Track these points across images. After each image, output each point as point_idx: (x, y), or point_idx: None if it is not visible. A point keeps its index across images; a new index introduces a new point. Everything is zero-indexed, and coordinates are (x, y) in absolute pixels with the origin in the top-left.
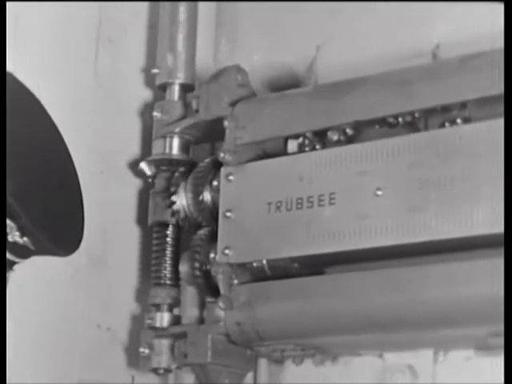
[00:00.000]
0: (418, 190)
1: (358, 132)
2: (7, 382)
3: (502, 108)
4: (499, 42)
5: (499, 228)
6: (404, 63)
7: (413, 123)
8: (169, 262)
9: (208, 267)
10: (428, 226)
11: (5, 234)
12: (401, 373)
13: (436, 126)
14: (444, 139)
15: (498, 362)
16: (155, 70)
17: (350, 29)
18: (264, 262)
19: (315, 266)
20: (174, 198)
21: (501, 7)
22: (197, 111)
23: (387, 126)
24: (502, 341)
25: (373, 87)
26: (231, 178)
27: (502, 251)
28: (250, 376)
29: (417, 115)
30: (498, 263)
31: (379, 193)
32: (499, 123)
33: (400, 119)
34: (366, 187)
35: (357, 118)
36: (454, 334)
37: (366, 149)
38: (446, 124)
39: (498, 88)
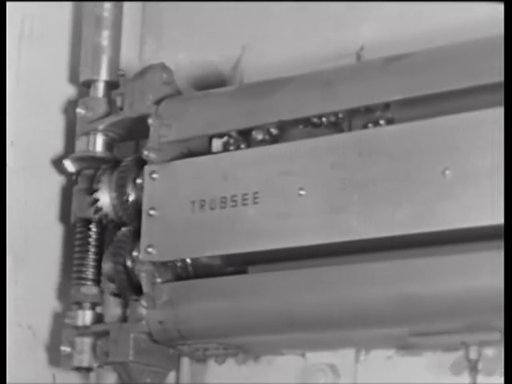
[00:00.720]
0: (340, 190)
1: (283, 132)
2: None
3: (425, 109)
4: (425, 44)
5: (419, 228)
6: (328, 64)
7: (336, 123)
8: (91, 259)
9: (131, 265)
10: (350, 226)
11: (4, 234)
12: (322, 372)
13: (359, 126)
14: (367, 140)
15: (419, 361)
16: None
17: (276, 29)
18: (187, 260)
19: (238, 265)
20: (96, 195)
21: (429, 7)
22: (121, 109)
23: (311, 125)
24: (422, 340)
25: (297, 87)
26: (155, 176)
27: (424, 251)
28: (172, 375)
29: (340, 116)
30: (419, 263)
31: (302, 192)
32: (422, 125)
33: (324, 119)
34: (289, 187)
35: (281, 118)
36: (376, 333)
37: (289, 148)
38: (369, 125)
39: (422, 89)
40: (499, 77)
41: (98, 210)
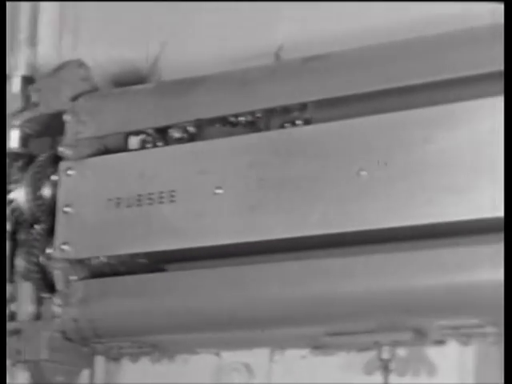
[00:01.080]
0: (257, 189)
1: (200, 130)
2: None
3: (342, 110)
4: (343, 45)
5: (333, 228)
6: (247, 63)
7: (254, 123)
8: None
9: (45, 263)
10: (266, 225)
11: (4, 235)
12: (237, 371)
13: (277, 126)
14: (284, 140)
15: (333, 360)
16: None
17: (196, 27)
18: (103, 258)
19: (155, 263)
20: (12, 195)
21: (348, 8)
22: (37, 104)
23: (229, 124)
24: (336, 340)
25: (214, 86)
26: (70, 172)
27: (338, 251)
28: (86, 374)
29: (258, 115)
30: (332, 263)
31: (219, 191)
32: (338, 125)
33: (241, 118)
34: (206, 185)
35: (198, 117)
36: (290, 333)
37: (206, 147)
38: (287, 125)
39: (339, 90)
40: (409, 80)
41: (14, 210)
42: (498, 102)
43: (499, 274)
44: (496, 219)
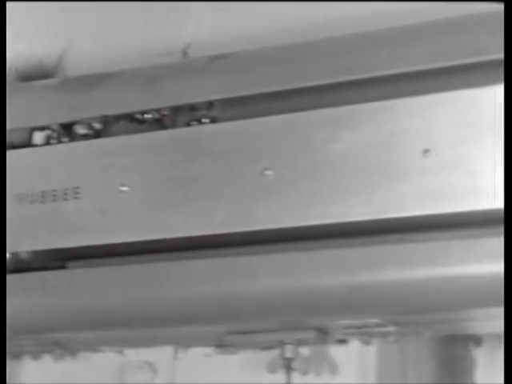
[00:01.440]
0: (162, 187)
1: (106, 127)
2: None
3: (249, 109)
4: (252, 43)
5: (237, 227)
6: (154, 60)
7: (160, 120)
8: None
9: None
10: (170, 223)
11: (4, 234)
12: (140, 369)
13: (183, 124)
14: (190, 138)
15: (236, 359)
16: None
17: (103, 24)
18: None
19: (57, 260)
20: None
21: (262, 7)
22: None
23: (135, 121)
24: (239, 338)
25: (121, 83)
26: None
27: (242, 250)
28: None
29: (165, 113)
30: (236, 262)
31: (124, 189)
32: (244, 124)
33: (147, 116)
34: (110, 183)
35: (104, 113)
36: (195, 331)
37: (112, 144)
38: (193, 123)
39: (246, 89)
40: (315, 80)
41: None
42: (401, 104)
43: (399, 274)
44: (401, 219)
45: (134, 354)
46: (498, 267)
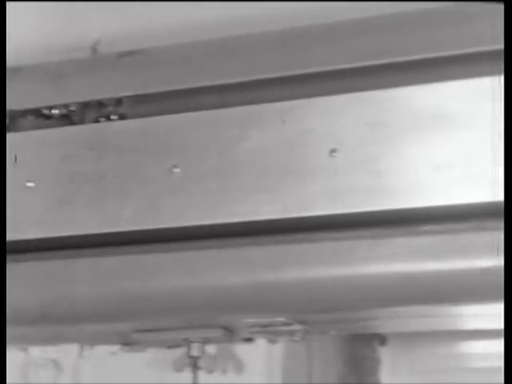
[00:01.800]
0: (69, 183)
1: (13, 122)
2: None
3: (159, 106)
4: (163, 40)
5: (144, 225)
6: (63, 56)
7: (68, 116)
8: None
9: None
10: (77, 220)
11: (4, 234)
12: (44, 367)
13: (91, 120)
14: (97, 134)
15: (142, 357)
16: None
17: (10, 17)
18: None
19: None
20: None
21: (173, 4)
22: None
23: (42, 117)
24: (145, 336)
25: (28, 77)
26: None
27: (149, 248)
28: None
29: (72, 108)
30: (140, 259)
31: (30, 184)
32: (153, 121)
33: (55, 111)
34: (17, 178)
35: (10, 108)
36: (100, 329)
37: (18, 139)
38: (101, 119)
39: (154, 86)
40: (226, 78)
41: None
42: (312, 104)
43: (303, 273)
44: (307, 218)
45: (38, 352)
46: (403, 267)
